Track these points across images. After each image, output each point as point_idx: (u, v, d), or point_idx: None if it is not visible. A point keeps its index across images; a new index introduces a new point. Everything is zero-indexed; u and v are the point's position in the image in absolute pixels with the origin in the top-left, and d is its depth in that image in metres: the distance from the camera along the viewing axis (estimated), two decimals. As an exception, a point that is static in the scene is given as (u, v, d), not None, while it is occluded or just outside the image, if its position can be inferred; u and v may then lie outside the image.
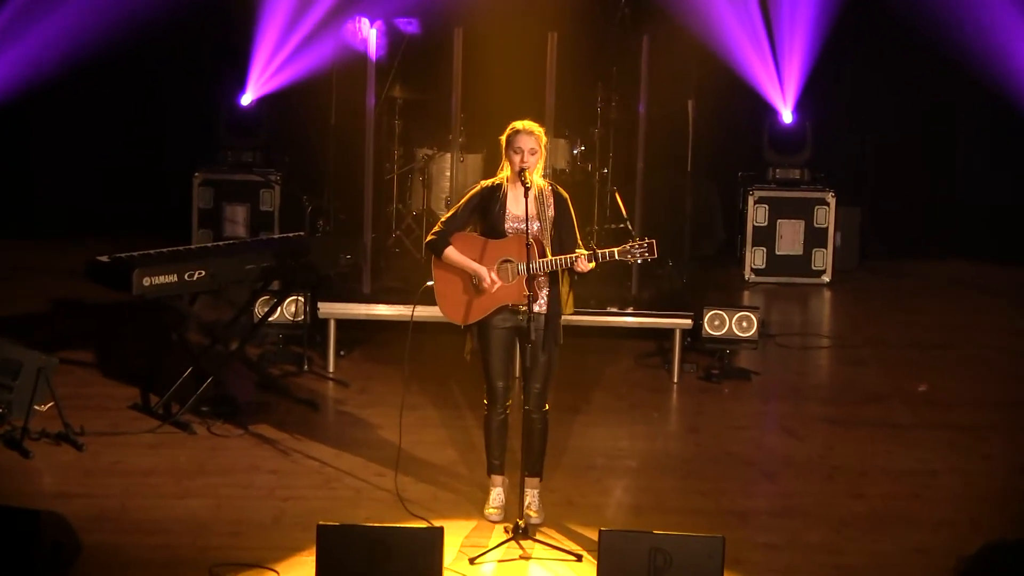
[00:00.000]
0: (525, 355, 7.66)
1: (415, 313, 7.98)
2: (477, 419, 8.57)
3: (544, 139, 7.72)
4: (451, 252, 7.72)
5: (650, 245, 7.58)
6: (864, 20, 13.55)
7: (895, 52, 13.78)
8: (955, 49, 12.98)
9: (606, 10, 12.24)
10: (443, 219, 7.85)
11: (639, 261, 7.72)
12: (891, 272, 13.78)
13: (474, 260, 7.68)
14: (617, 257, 7.60)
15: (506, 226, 7.70)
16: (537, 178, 7.70)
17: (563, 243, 7.71)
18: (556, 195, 7.76)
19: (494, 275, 7.66)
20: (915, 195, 14.23)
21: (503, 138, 7.73)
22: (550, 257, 7.62)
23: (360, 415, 9.63)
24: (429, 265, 7.85)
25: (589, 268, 7.58)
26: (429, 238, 7.82)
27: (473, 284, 7.70)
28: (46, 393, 8.93)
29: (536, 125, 7.72)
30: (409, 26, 11.59)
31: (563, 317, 7.76)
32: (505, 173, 7.74)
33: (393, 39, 11.50)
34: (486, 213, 7.74)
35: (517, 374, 8.58)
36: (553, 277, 7.72)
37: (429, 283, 7.81)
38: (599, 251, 7.58)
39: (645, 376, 10.63)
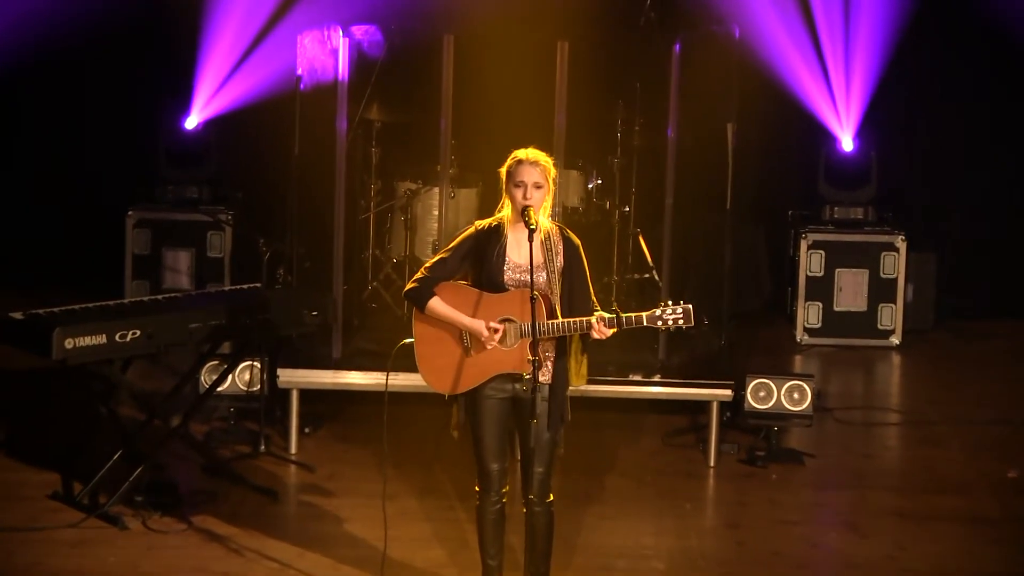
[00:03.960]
0: (527, 433, 7.66)
1: (391, 381, 8.01)
2: (468, 511, 8.61)
3: (553, 172, 7.77)
4: (437, 304, 7.71)
5: (686, 311, 7.58)
6: (941, 28, 13.64)
7: (979, 66, 13.85)
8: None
9: (628, 14, 12.26)
10: (428, 264, 7.83)
11: (670, 329, 7.73)
12: (973, 333, 13.83)
13: (466, 316, 7.74)
14: (645, 323, 7.61)
15: (505, 277, 7.73)
16: (543, 219, 7.74)
17: (573, 299, 7.72)
18: (565, 240, 7.79)
19: (495, 324, 7.69)
20: (1002, 240, 14.26)
21: (503, 170, 7.78)
22: (560, 320, 7.63)
23: (328, 506, 9.67)
24: (409, 320, 7.86)
25: (610, 334, 7.62)
26: (409, 286, 7.79)
27: (464, 345, 7.73)
28: (-53, 479, 9.00)
29: (543, 155, 7.77)
30: (373, 48, 11.65)
31: (571, 388, 7.81)
32: (505, 213, 7.78)
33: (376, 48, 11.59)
34: (482, 260, 7.76)
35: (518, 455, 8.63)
36: (561, 341, 7.75)
37: (407, 340, 7.81)
38: (623, 315, 7.59)
39: (675, 458, 10.67)
